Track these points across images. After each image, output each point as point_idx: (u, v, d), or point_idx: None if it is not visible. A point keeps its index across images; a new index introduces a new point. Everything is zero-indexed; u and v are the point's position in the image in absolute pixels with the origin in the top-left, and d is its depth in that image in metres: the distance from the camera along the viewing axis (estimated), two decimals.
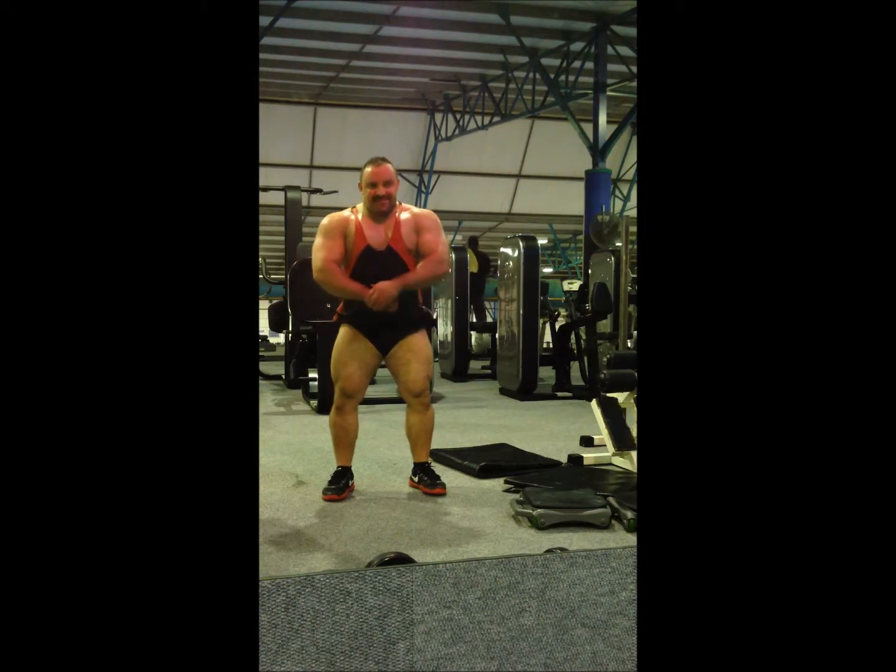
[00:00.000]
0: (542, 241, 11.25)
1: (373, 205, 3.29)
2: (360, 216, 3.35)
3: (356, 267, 3.32)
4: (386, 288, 3.21)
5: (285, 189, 8.14)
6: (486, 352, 9.41)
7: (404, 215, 3.37)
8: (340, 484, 3.43)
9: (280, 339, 11.91)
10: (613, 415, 4.11)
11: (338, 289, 3.33)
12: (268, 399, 6.83)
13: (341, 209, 3.46)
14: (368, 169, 3.31)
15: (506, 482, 3.63)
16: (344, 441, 3.50)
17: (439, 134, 16.46)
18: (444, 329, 8.81)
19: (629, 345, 5.26)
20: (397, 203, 3.39)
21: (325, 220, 3.39)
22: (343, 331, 3.43)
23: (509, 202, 18.81)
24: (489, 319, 10.48)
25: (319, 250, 3.31)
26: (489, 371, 8.78)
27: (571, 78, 11.93)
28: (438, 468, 3.75)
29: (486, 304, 18.03)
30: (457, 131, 15.68)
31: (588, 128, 11.61)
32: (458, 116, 15.50)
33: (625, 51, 11.23)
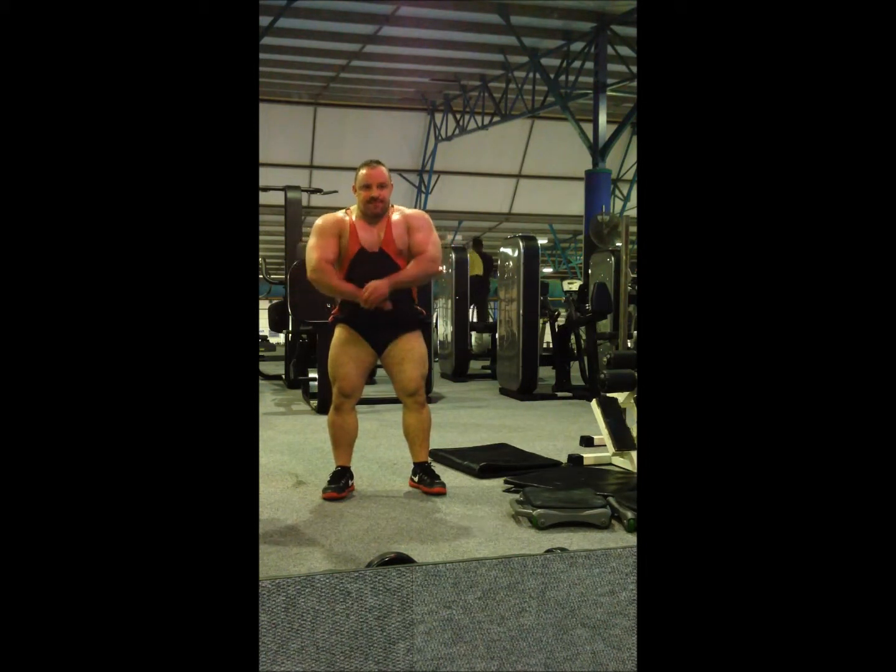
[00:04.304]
0: (542, 241, 11.24)
1: (367, 207, 3.35)
2: (353, 217, 3.39)
3: (350, 269, 3.36)
4: (378, 286, 3.25)
5: (285, 189, 8.15)
6: (486, 352, 9.41)
7: (395, 216, 3.41)
8: (340, 483, 3.43)
9: (280, 339, 11.91)
10: (613, 415, 4.11)
11: (332, 289, 3.37)
12: (268, 399, 6.83)
13: (341, 209, 3.48)
14: (363, 171, 3.36)
15: (506, 482, 3.63)
16: (343, 441, 3.50)
17: (439, 134, 16.45)
18: (444, 329, 8.80)
19: (629, 345, 5.25)
20: (390, 205, 3.42)
21: (318, 221, 3.42)
22: (338, 331, 3.46)
23: (509, 202, 18.81)
24: (490, 320, 10.49)
25: (314, 250, 3.34)
26: (489, 371, 8.78)
27: (571, 78, 11.92)
28: (438, 468, 3.75)
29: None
30: (457, 131, 15.67)
31: (588, 128, 11.61)
32: (457, 116, 15.49)
33: (625, 51, 11.22)
